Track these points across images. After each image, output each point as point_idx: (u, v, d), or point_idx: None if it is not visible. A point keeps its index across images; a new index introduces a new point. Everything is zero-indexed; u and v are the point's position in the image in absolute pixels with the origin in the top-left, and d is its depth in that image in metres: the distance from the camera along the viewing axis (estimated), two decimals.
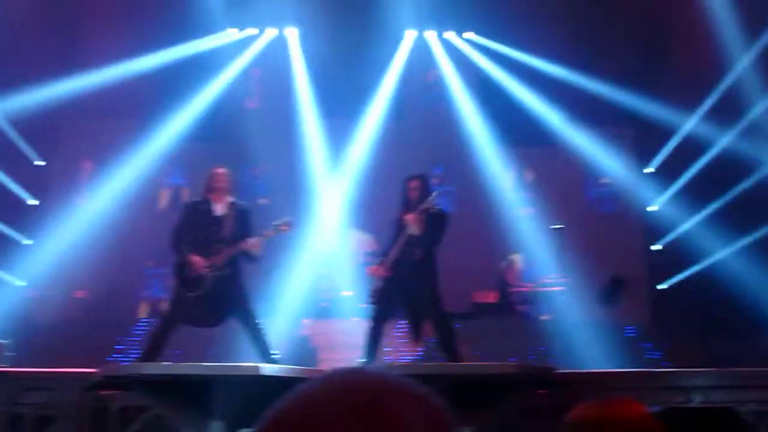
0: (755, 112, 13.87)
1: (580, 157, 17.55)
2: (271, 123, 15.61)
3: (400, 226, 6.66)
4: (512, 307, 12.21)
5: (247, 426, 5.04)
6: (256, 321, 6.36)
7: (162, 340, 6.30)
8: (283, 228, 6.54)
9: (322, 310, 11.61)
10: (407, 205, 6.71)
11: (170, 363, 6.59)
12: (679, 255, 15.47)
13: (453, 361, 6.31)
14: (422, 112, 17.50)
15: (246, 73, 15.97)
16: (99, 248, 13.48)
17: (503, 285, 12.53)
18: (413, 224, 6.44)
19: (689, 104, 15.12)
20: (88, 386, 6.19)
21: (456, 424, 0.80)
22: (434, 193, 6.79)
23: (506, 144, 16.61)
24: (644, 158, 17.78)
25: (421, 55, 16.73)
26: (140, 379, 5.60)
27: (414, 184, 6.72)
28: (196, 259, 6.20)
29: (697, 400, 6.71)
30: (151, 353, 6.15)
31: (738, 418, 5.73)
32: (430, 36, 16.67)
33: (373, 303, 6.63)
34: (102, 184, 14.07)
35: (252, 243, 6.33)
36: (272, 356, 6.22)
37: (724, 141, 14.47)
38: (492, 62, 16.65)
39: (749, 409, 6.66)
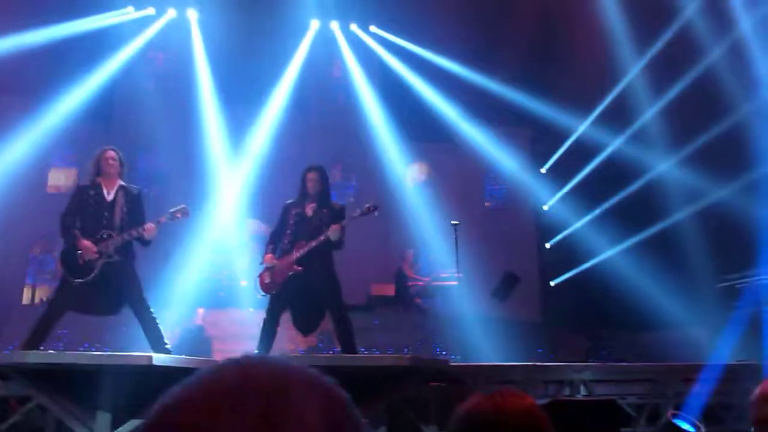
0: (644, 117, 14.54)
1: (478, 154, 17.96)
2: (169, 107, 15.20)
3: (293, 215, 6.59)
4: (408, 300, 12.37)
5: (136, 417, 4.92)
6: (149, 309, 6.19)
7: (46, 327, 6.05)
8: (179, 215, 6.38)
9: (217, 299, 11.42)
10: (304, 196, 6.67)
11: (55, 352, 6.34)
12: (569, 253, 16.07)
13: (348, 353, 6.33)
14: (325, 104, 17.46)
15: (144, 54, 15.49)
16: None
17: (400, 278, 12.68)
18: (336, 233, 6.36)
19: (582, 108, 15.71)
20: None
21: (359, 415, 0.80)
22: (369, 205, 6.75)
23: (406, 138, 16.79)
24: (539, 158, 18.38)
25: (326, 46, 16.66)
26: (22, 368, 5.36)
27: (312, 175, 6.68)
28: (87, 244, 5.97)
29: (582, 392, 6.98)
30: (34, 341, 5.89)
31: (620, 410, 6.02)
32: (335, 27, 16.61)
33: (270, 293, 6.57)
34: None
35: (147, 228, 6.15)
36: (165, 346, 6.08)
37: (613, 145, 15.13)
38: (395, 57, 16.76)
39: (630, 402, 7.00)
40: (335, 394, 0.79)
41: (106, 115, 15.33)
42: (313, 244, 6.44)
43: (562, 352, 11.76)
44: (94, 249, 5.98)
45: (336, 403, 0.78)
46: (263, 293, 6.66)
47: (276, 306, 6.59)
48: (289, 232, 6.61)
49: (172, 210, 6.37)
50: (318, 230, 6.47)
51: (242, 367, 0.78)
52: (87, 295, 6.09)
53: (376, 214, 6.84)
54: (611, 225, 14.18)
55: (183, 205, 6.44)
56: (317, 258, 6.49)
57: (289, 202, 6.86)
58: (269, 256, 6.66)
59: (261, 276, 6.71)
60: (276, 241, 6.74)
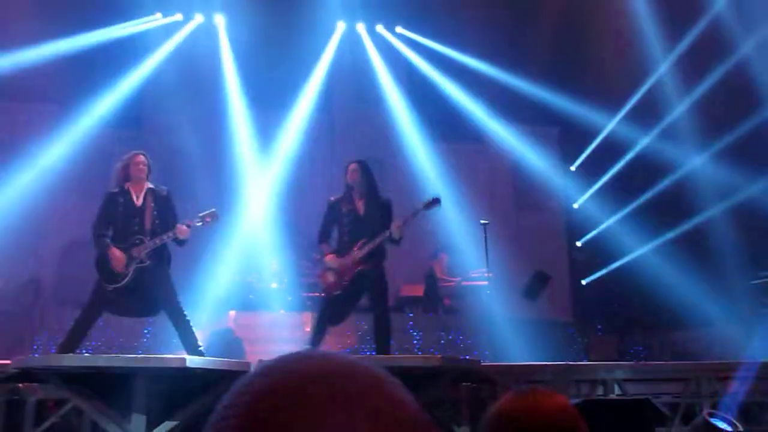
0: (674, 113, 14.37)
1: (507, 153, 17.87)
2: (197, 111, 15.33)
3: (344, 212, 6.49)
4: (438, 300, 12.35)
5: (171, 419, 4.97)
6: (182, 312, 6.22)
7: (82, 331, 6.12)
8: (208, 219, 6.40)
9: (248, 302, 11.49)
10: (349, 190, 6.58)
11: (90, 355, 6.42)
12: (600, 251, 15.93)
13: (383, 353, 6.31)
14: (352, 105, 17.48)
15: (172, 59, 15.64)
16: (18, 236, 13.05)
17: (431, 279, 12.66)
18: (400, 231, 6.30)
19: (612, 105, 15.58)
20: (3, 378, 5.98)
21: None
22: (431, 199, 6.68)
23: (435, 138, 16.76)
24: (568, 157, 18.25)
25: (352, 47, 16.70)
26: (58, 371, 5.44)
27: (352, 166, 6.61)
28: (117, 255, 5.99)
29: (615, 392, 6.92)
30: (70, 345, 5.97)
31: (655, 409, 5.95)
32: (361, 29, 16.64)
33: (334, 293, 6.48)
34: (23, 170, 13.59)
35: (179, 230, 6.16)
36: (198, 348, 6.11)
37: (643, 141, 14.97)
38: (421, 57, 16.74)
39: (665, 401, 6.92)
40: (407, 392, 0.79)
41: (135, 121, 15.51)
42: (378, 241, 6.37)
43: (594, 351, 11.66)
44: (123, 261, 6.00)
45: (413, 401, 0.78)
46: (327, 293, 6.60)
47: (337, 305, 6.53)
48: (346, 230, 6.51)
49: (201, 214, 6.39)
50: (374, 226, 6.40)
51: (322, 360, 0.77)
52: (122, 298, 6.15)
53: (439, 204, 6.78)
54: (642, 222, 14.03)
55: (212, 209, 6.46)
56: (375, 256, 6.45)
57: (334, 198, 6.79)
58: (332, 255, 6.54)
59: (324, 276, 6.61)
60: (327, 239, 6.65)
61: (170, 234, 6.14)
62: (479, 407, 6.22)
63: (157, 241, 6.13)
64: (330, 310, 6.59)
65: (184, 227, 6.18)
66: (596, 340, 12.67)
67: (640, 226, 14.03)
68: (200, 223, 6.36)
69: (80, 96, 14.20)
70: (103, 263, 6.09)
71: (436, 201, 6.75)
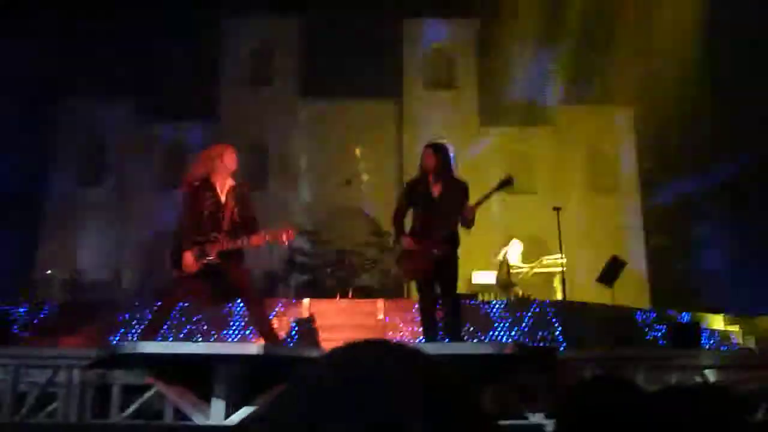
0: None
1: (579, 138, 17.59)
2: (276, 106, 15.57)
3: (420, 195, 6.39)
4: (510, 287, 12.26)
5: (250, 404, 5.08)
6: (258, 299, 6.28)
7: (162, 319, 6.28)
8: (284, 239, 6.21)
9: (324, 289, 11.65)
10: (424, 174, 6.48)
11: (172, 342, 6.61)
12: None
13: (455, 341, 6.29)
14: None
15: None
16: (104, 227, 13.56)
17: (503, 265, 12.57)
18: (472, 213, 6.22)
19: None
20: (91, 365, 6.21)
21: None
22: (505, 177, 6.57)
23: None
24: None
25: None
26: (142, 357, 5.63)
27: (427, 151, 6.55)
28: (189, 261, 5.93)
29: (697, 379, 6.76)
30: (152, 331, 6.13)
31: (739, 396, 5.77)
32: None
33: (418, 279, 6.44)
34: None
35: (254, 240, 6.02)
36: (274, 335, 6.18)
37: None
38: None
39: (749, 388, 6.71)
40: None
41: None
42: (451, 226, 6.27)
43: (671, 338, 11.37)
44: (195, 267, 5.93)
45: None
46: (409, 279, 6.50)
47: (428, 291, 6.44)
48: (421, 213, 6.38)
49: (276, 231, 6.09)
50: (448, 210, 6.27)
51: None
52: (198, 288, 6.23)
53: (513, 184, 6.69)
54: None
55: (290, 228, 6.11)
56: (449, 241, 6.37)
57: (409, 180, 6.75)
58: (409, 239, 6.37)
59: (404, 262, 6.50)
60: (402, 222, 6.50)
61: (245, 241, 5.97)
62: (554, 395, 6.16)
63: (233, 244, 5.99)
64: (431, 298, 6.47)
65: (258, 239, 5.98)
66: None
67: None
68: (274, 241, 6.10)
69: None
70: (176, 256, 6.10)
71: (508, 181, 6.63)
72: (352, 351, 0.82)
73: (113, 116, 19.32)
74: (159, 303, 6.44)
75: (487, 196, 6.38)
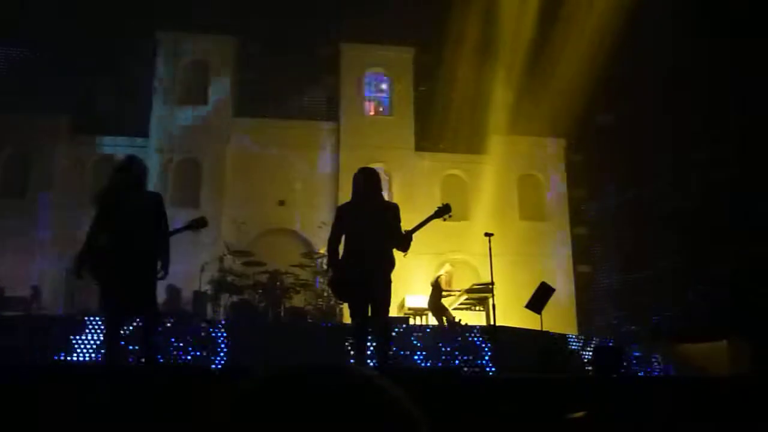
0: None
1: (512, 165, 17.90)
2: None
3: (355, 219, 6.47)
4: (441, 311, 12.36)
5: None
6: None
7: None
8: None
9: None
10: (355, 197, 6.53)
11: None
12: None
13: (381, 363, 6.31)
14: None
15: None
16: None
17: (435, 290, 12.67)
18: (407, 243, 6.41)
19: None
20: None
21: None
22: (442, 206, 6.74)
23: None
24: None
25: None
26: None
27: (358, 176, 6.61)
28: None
29: None
30: None
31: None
32: None
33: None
34: None
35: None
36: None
37: None
38: None
39: None
40: None
41: None
42: (384, 248, 6.45)
43: None
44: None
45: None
46: (342, 301, 6.63)
47: (359, 313, 6.50)
48: (351, 235, 6.50)
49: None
50: (379, 233, 6.36)
51: None
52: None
53: (450, 212, 6.79)
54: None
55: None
56: (381, 263, 6.43)
57: (341, 205, 6.92)
58: (342, 264, 6.60)
59: (336, 285, 6.73)
60: (336, 248, 6.60)
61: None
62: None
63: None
64: (356, 317, 6.51)
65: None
66: None
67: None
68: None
69: None
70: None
71: (445, 209, 6.73)
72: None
73: (41, 131, 18.79)
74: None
75: (424, 223, 6.48)
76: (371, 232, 6.33)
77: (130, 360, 6.00)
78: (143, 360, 6.09)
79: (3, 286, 14.23)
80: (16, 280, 15.11)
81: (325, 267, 12.91)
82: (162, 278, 6.19)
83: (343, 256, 6.47)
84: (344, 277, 6.37)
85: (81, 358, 9.24)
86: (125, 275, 5.83)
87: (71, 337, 9.35)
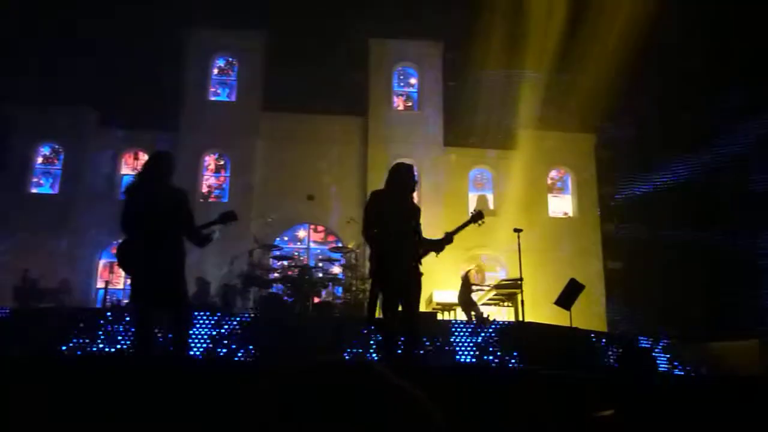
0: None
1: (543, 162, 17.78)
2: None
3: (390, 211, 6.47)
4: (471, 306, 12.33)
5: None
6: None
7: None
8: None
9: None
10: (392, 190, 6.51)
11: None
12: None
13: (409, 358, 6.31)
14: None
15: None
16: None
17: (465, 285, 12.64)
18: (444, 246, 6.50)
19: None
20: None
21: None
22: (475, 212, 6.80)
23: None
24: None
25: None
26: None
27: (400, 169, 6.64)
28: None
29: None
30: None
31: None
32: None
33: None
34: None
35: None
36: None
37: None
38: None
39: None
40: None
41: None
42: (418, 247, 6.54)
43: None
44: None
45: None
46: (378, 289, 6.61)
47: (392, 307, 6.51)
48: (386, 228, 6.43)
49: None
50: (409, 229, 6.43)
51: None
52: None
53: (483, 218, 6.81)
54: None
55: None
56: (417, 259, 6.52)
57: (376, 192, 6.74)
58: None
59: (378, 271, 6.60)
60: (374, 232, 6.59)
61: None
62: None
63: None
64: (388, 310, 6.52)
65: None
66: None
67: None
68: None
69: None
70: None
71: (479, 215, 6.77)
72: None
73: (71, 124, 19.02)
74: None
75: (461, 228, 6.50)
76: (407, 229, 6.34)
77: (159, 351, 6.04)
78: (171, 352, 6.14)
79: (37, 278, 14.44)
80: (50, 273, 15.31)
81: (353, 261, 12.99)
82: (203, 243, 6.25)
83: (379, 245, 6.39)
84: (383, 268, 6.32)
85: (109, 349, 9.36)
86: (154, 268, 5.89)
87: (100, 329, 9.49)
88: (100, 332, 9.48)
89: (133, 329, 8.92)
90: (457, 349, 9.92)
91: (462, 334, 10.16)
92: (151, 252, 5.88)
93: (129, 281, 6.28)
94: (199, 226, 6.25)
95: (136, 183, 6.33)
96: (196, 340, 9.33)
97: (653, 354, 10.64)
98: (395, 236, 6.29)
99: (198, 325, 9.42)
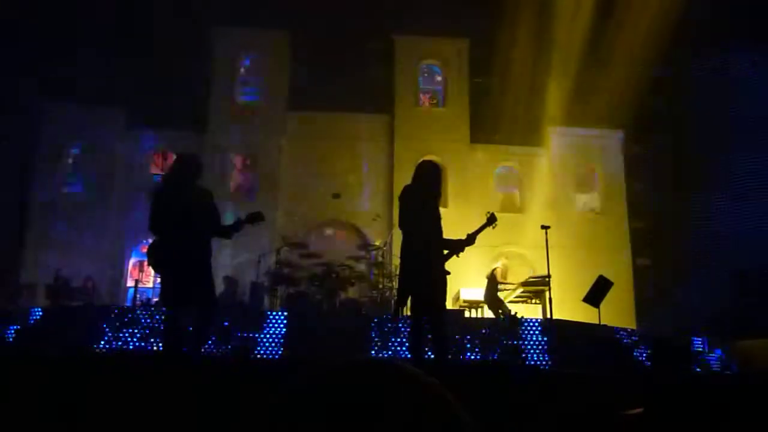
0: None
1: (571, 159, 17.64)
2: None
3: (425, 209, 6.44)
4: (497, 304, 12.28)
5: None
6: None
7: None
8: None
9: None
10: (424, 187, 6.47)
11: None
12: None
13: (440, 356, 6.29)
14: None
15: None
16: None
17: (491, 283, 12.59)
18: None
19: None
20: None
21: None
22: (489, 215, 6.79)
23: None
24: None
25: None
26: None
27: (428, 166, 6.60)
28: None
29: None
30: None
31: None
32: None
33: None
34: None
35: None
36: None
37: None
38: None
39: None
40: None
41: None
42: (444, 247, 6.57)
43: None
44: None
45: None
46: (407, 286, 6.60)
47: (420, 306, 6.49)
48: (426, 224, 6.45)
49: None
50: (437, 228, 6.40)
51: None
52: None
53: (496, 220, 6.78)
54: None
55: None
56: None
57: (409, 186, 6.63)
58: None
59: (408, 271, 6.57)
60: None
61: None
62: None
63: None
64: (417, 310, 6.52)
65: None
66: None
67: None
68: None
69: None
70: None
71: (492, 219, 6.74)
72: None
73: (101, 124, 19.22)
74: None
75: (479, 231, 6.47)
76: (436, 227, 6.32)
77: (184, 350, 6.08)
78: (195, 350, 6.19)
79: (68, 277, 14.64)
80: (81, 272, 15.51)
81: (380, 259, 13.01)
82: (231, 232, 6.31)
83: (409, 244, 6.35)
84: (412, 267, 6.30)
85: (135, 346, 9.47)
86: (183, 269, 5.95)
87: (124, 327, 9.61)
88: (136, 330, 9.60)
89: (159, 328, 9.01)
90: (488, 347, 9.89)
91: (492, 331, 10.13)
92: (180, 252, 5.94)
93: (159, 281, 6.37)
94: (226, 227, 6.31)
95: (164, 184, 6.42)
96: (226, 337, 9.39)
97: (684, 351, 10.51)
98: (424, 236, 6.27)
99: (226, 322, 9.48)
